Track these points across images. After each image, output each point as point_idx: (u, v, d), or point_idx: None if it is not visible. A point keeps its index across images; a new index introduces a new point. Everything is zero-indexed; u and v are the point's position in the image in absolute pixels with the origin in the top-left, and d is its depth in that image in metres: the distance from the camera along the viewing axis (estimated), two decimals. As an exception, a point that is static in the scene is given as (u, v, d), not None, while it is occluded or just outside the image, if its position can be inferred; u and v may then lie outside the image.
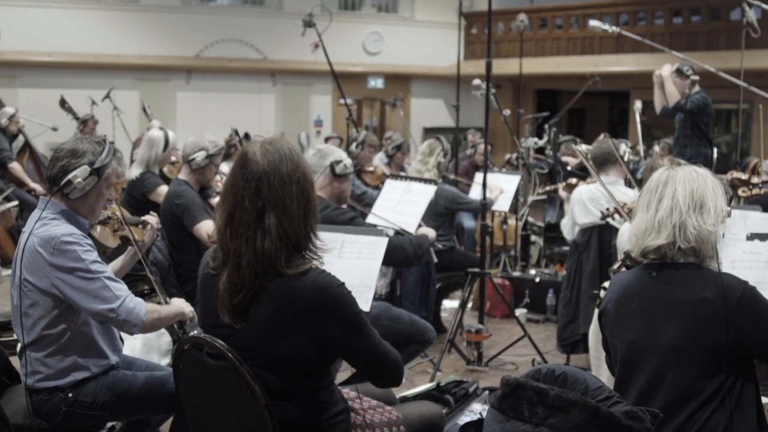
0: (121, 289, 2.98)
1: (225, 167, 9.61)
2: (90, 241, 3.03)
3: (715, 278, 2.44)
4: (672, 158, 4.32)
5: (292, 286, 2.35)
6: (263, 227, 2.36)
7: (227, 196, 2.42)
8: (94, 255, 2.98)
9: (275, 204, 2.37)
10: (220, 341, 2.40)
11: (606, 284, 4.04)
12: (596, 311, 4.07)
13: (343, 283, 2.41)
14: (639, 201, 2.62)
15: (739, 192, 4.81)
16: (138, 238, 3.57)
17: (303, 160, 2.47)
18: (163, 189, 5.66)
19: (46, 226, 2.98)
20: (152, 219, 3.65)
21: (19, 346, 3.12)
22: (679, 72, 7.28)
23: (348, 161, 4.44)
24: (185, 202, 4.80)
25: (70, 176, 2.98)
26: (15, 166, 8.80)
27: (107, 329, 3.13)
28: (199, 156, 4.93)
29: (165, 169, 6.23)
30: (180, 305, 3.25)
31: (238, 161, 2.44)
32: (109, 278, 2.96)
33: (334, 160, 4.35)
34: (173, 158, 6.29)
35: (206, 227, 4.72)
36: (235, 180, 2.41)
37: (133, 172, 5.79)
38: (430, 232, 4.63)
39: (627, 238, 4.20)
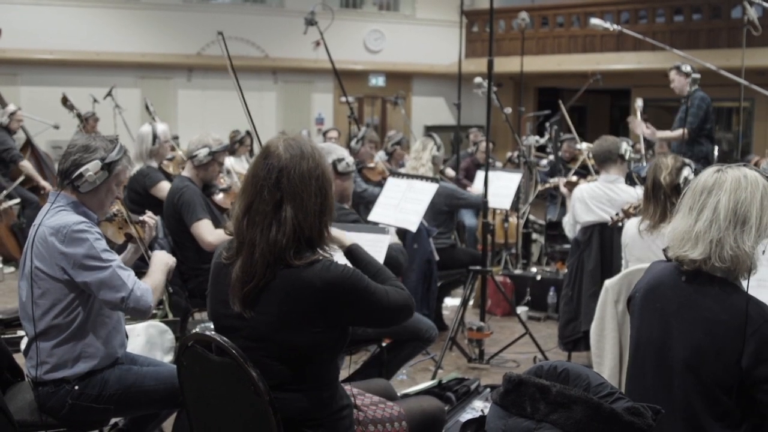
0: (130, 277, 3.07)
1: (230, 162, 9.65)
2: (99, 230, 3.11)
3: (741, 304, 2.34)
4: (676, 156, 4.33)
5: (301, 275, 2.38)
6: (279, 218, 2.40)
7: (247, 186, 2.47)
8: (103, 243, 3.07)
9: (293, 197, 2.41)
10: (224, 337, 2.42)
11: (615, 278, 4.07)
12: (598, 308, 4.09)
13: (346, 265, 2.48)
14: (683, 200, 2.50)
15: None
16: (140, 235, 3.62)
17: (324, 159, 2.53)
18: (165, 185, 5.69)
19: (56, 215, 3.05)
20: (150, 220, 3.67)
21: (24, 340, 3.15)
22: (678, 70, 7.32)
23: (350, 159, 4.46)
24: (186, 199, 4.82)
25: (81, 169, 3.07)
26: (26, 164, 8.83)
27: (116, 322, 3.18)
28: (202, 153, 4.94)
29: (163, 164, 6.26)
30: (162, 262, 3.36)
31: (261, 153, 2.51)
32: (119, 266, 3.06)
33: (336, 158, 4.38)
34: (170, 154, 6.33)
35: (205, 226, 4.74)
36: (257, 170, 2.46)
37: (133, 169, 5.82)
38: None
39: (632, 234, 4.23)
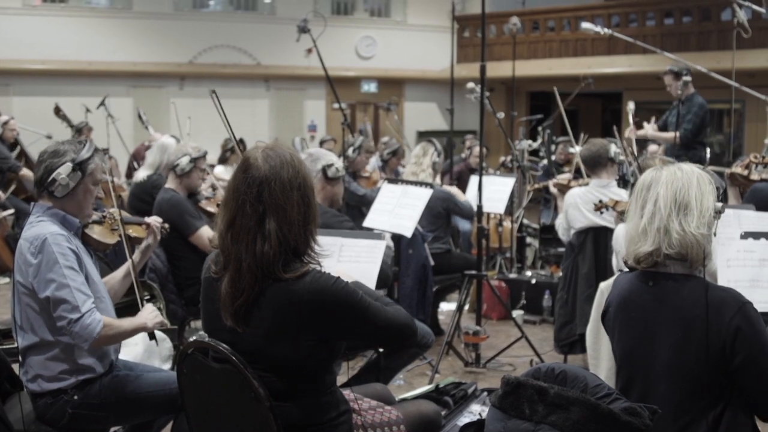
0: (85, 302, 2.97)
1: (220, 170, 9.66)
2: (72, 245, 3.04)
3: (713, 294, 2.38)
4: (663, 158, 4.34)
5: (290, 289, 2.38)
6: (263, 232, 2.38)
7: (229, 201, 2.45)
8: (70, 260, 3.00)
9: (276, 209, 2.39)
10: (224, 345, 2.43)
11: (610, 280, 4.08)
12: (593, 311, 4.11)
13: (338, 278, 2.45)
14: (630, 204, 2.60)
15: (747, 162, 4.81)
16: (140, 235, 3.65)
17: (304, 166, 2.51)
18: None
19: (33, 228, 3.04)
20: (155, 223, 3.67)
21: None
22: (675, 75, 7.34)
23: (339, 164, 4.49)
24: (177, 211, 4.83)
25: (53, 174, 3.05)
26: (26, 173, 8.81)
27: None
28: (183, 161, 4.97)
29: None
30: (142, 319, 3.20)
31: (241, 166, 2.47)
32: (77, 289, 2.97)
33: (326, 164, 4.41)
34: None
35: (206, 233, 4.75)
36: (237, 185, 2.44)
37: (141, 174, 5.82)
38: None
39: (623, 240, 4.25)
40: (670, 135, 7.34)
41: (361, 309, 2.45)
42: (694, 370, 2.37)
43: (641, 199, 2.51)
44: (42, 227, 3.03)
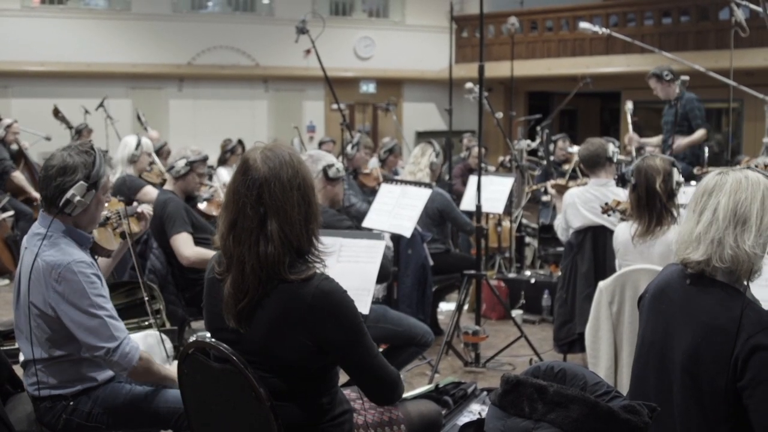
0: (120, 329, 2.94)
1: (223, 172, 9.67)
2: (96, 271, 2.98)
3: (746, 312, 2.31)
4: (663, 157, 4.34)
5: (296, 291, 2.38)
6: (265, 233, 2.39)
7: (229, 203, 2.46)
8: (98, 287, 2.93)
9: (276, 210, 2.39)
10: (224, 345, 2.44)
11: (609, 279, 4.09)
12: (592, 310, 4.12)
13: (346, 291, 2.44)
14: (688, 204, 2.51)
15: None
16: (136, 230, 3.70)
17: (303, 165, 2.50)
18: (149, 189, 5.76)
19: (51, 249, 2.93)
20: (147, 210, 3.72)
21: (22, 358, 3.13)
22: (658, 77, 7.34)
23: (339, 165, 4.55)
24: (170, 211, 4.87)
25: (68, 195, 2.92)
26: (18, 176, 8.82)
27: None
28: (180, 164, 5.03)
29: (143, 175, 6.32)
30: (173, 374, 3.11)
31: (239, 168, 2.47)
32: (110, 317, 2.93)
33: (326, 165, 4.46)
34: (149, 167, 6.41)
35: (183, 240, 4.79)
36: (237, 187, 2.44)
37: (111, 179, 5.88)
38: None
39: (623, 240, 4.25)
40: (700, 134, 7.41)
41: (357, 331, 2.45)
42: (706, 381, 2.34)
43: (701, 204, 2.43)
44: (63, 252, 2.92)
